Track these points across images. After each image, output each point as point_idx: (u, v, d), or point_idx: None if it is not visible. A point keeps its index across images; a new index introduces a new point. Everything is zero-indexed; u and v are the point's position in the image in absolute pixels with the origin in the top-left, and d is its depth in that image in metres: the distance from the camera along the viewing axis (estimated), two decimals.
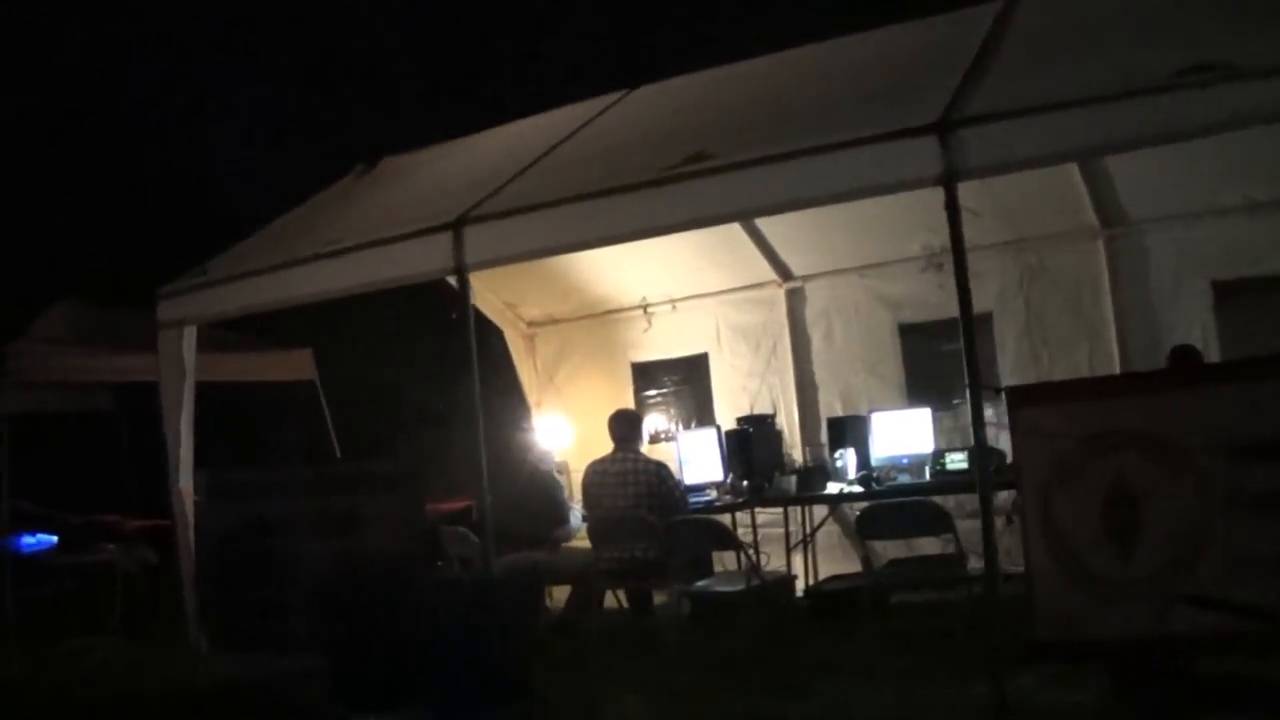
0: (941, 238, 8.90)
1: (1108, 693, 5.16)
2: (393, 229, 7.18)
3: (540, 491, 8.68)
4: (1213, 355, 8.30)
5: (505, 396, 10.26)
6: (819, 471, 8.71)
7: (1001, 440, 8.72)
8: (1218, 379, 5.70)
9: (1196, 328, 8.39)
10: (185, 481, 7.51)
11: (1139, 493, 5.34)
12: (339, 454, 10.67)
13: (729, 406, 9.88)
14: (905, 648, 6.77)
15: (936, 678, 6.13)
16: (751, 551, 7.91)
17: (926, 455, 8.55)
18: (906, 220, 8.94)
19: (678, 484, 8.32)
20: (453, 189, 7.67)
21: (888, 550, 8.25)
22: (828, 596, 8.14)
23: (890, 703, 5.93)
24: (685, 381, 10.19)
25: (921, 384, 9.35)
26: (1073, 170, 8.34)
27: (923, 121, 5.74)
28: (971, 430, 8.64)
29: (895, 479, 8.41)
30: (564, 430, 10.00)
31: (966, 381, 5.82)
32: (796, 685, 6.37)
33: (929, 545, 8.05)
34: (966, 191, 7.91)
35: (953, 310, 8.92)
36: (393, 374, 11.92)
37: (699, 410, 10.13)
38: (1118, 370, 8.59)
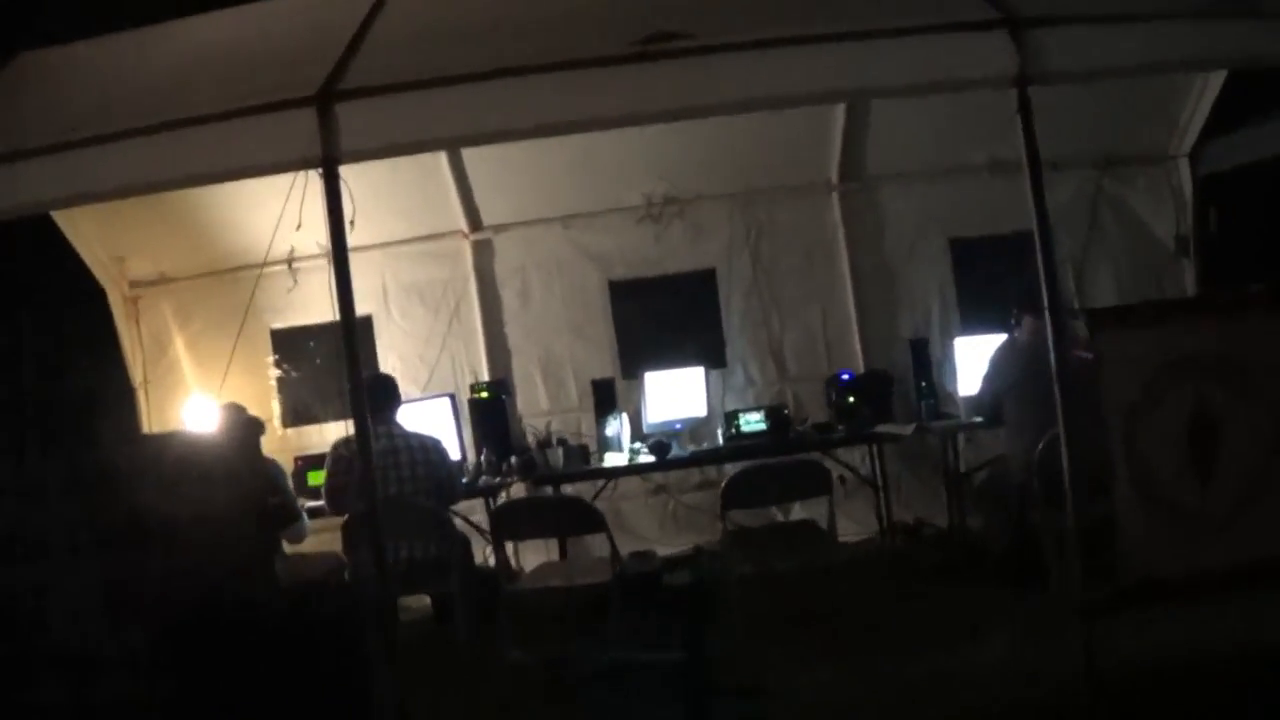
0: (668, 185, 8.32)
1: None
2: (193, 108, 5.14)
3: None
4: (952, 315, 8.31)
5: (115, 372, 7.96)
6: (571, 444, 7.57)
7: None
8: None
9: (935, 286, 8.36)
10: None
11: (1219, 419, 5.04)
12: None
13: (401, 378, 8.30)
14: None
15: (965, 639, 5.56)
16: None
17: (700, 419, 7.75)
18: (626, 166, 8.15)
19: (455, 462, 6.80)
20: (259, 60, 5.69)
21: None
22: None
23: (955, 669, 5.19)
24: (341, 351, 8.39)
25: (635, 347, 8.47)
26: (831, 116, 7.98)
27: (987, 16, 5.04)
28: (750, 391, 8.35)
29: (672, 446, 7.46)
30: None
31: (1045, 303, 5.07)
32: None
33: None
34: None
35: (673, 266, 8.50)
36: None
37: None
38: (855, 329, 8.34)
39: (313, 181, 6.66)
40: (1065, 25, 5.05)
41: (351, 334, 5.09)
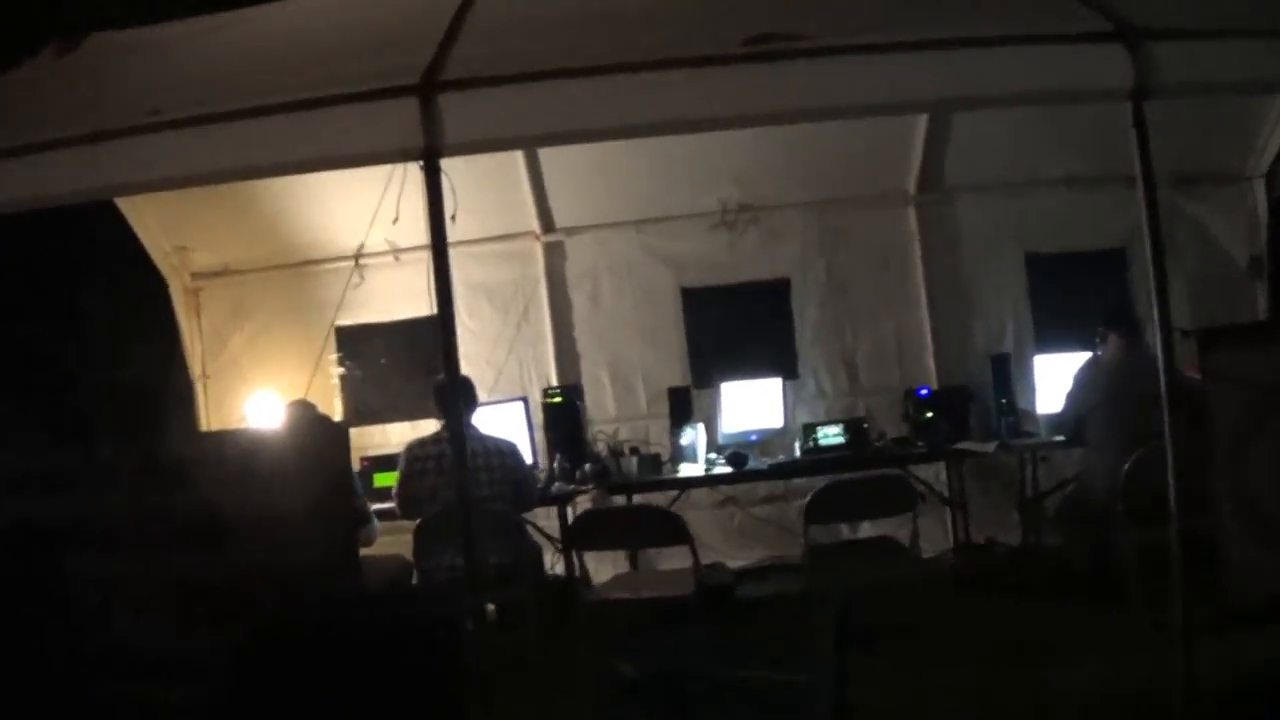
0: (744, 192, 8.19)
1: None
2: (280, 94, 5.00)
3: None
4: (1027, 331, 8.17)
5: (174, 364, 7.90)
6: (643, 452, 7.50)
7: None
8: None
9: (1010, 301, 8.22)
10: None
11: None
12: None
13: None
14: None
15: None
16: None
17: (775, 430, 7.65)
18: (702, 172, 8.02)
19: (529, 467, 6.70)
20: (351, 47, 5.56)
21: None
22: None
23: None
24: (407, 351, 8.28)
25: (706, 355, 8.33)
26: (912, 126, 7.87)
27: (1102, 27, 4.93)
28: (821, 403, 8.21)
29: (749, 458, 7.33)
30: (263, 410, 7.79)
31: (1155, 318, 4.93)
32: None
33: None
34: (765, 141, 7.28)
35: (747, 274, 8.35)
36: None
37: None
38: (929, 342, 8.21)
39: (397, 175, 6.62)
40: (1181, 39, 4.94)
41: (451, 330, 4.91)
